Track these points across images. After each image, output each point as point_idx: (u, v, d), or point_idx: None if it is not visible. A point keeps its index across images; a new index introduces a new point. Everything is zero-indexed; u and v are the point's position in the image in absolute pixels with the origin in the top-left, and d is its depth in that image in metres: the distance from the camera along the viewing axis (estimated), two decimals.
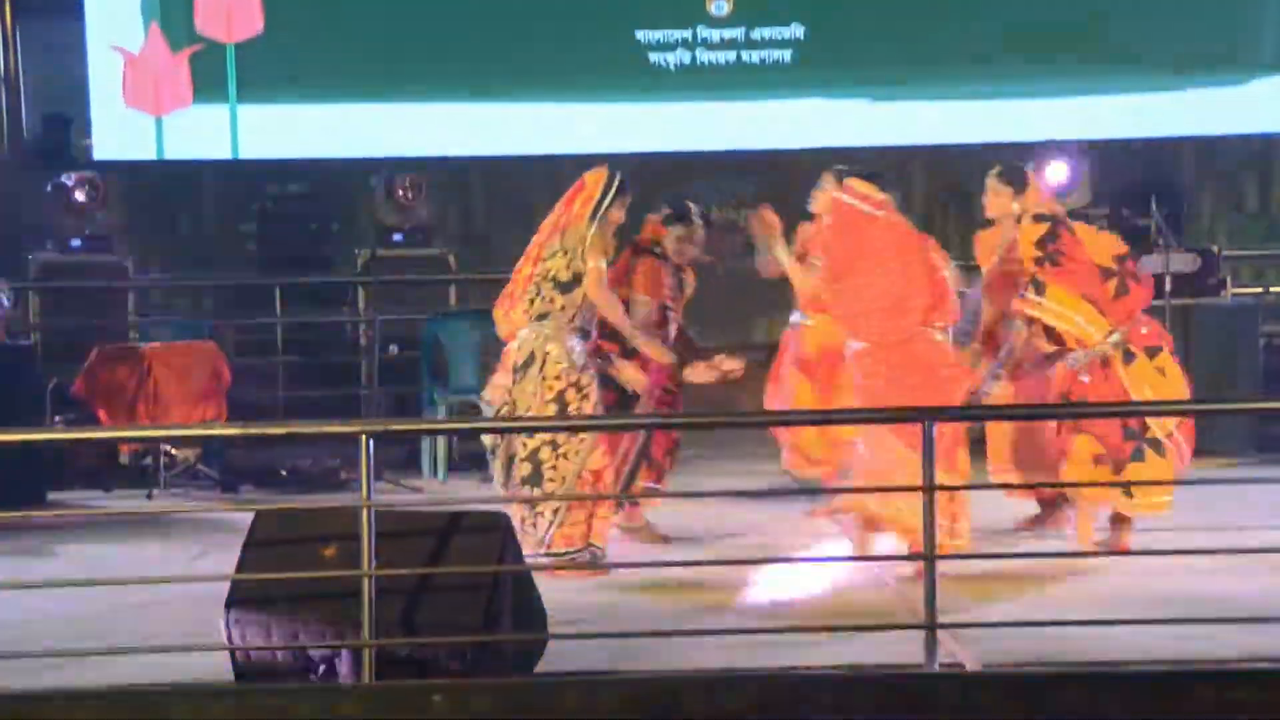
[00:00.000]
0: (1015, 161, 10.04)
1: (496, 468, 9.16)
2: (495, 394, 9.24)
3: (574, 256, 9.05)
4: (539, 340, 9.05)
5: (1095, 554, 9.07)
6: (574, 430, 9.06)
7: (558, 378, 9.02)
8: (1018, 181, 9.62)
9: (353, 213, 15.10)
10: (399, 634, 6.72)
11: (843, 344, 9.23)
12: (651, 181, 14.73)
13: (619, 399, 9.52)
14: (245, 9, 14.79)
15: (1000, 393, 9.46)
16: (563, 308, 9.06)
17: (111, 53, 14.76)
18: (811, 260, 9.71)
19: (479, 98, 15.02)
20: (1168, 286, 12.48)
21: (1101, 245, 9.52)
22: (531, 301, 9.09)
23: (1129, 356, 9.30)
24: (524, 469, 9.00)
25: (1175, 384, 9.40)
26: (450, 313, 13.50)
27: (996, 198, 9.64)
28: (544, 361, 9.03)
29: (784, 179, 12.29)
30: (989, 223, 9.76)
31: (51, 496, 11.47)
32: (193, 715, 6.41)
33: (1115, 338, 9.27)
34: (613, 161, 9.61)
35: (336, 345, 14.49)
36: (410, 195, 14.20)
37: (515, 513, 8.72)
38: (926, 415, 7.06)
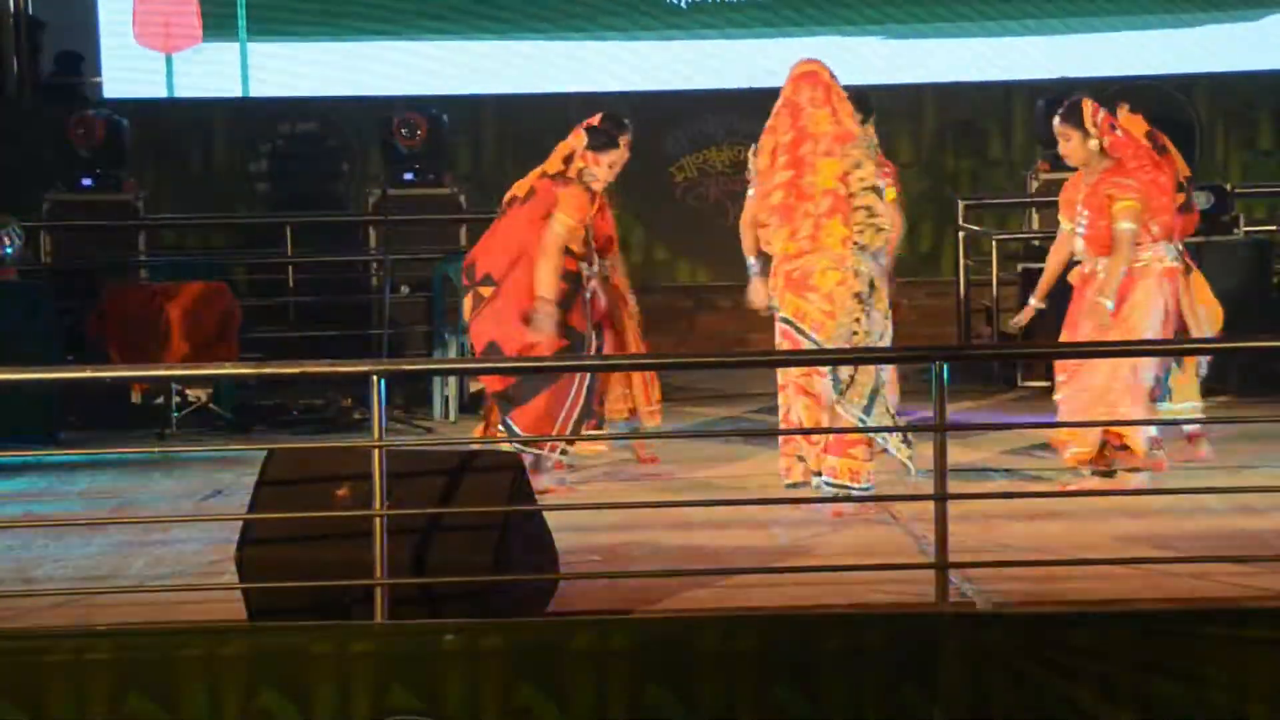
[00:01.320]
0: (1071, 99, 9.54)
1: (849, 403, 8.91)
2: (823, 325, 8.83)
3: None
4: (868, 271, 8.89)
5: (1108, 493, 9.05)
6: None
7: (889, 309, 8.99)
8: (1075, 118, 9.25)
9: (363, 151, 15.07)
10: (411, 573, 6.73)
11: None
12: (661, 119, 14.73)
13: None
14: None
15: None
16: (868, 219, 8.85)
17: None
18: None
19: (490, 35, 14.98)
20: None
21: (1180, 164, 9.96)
22: (860, 227, 8.84)
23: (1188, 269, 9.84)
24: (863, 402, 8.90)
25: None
26: (461, 252, 13.45)
27: (1066, 144, 9.29)
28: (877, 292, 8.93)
29: None
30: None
31: (63, 436, 11.46)
32: (205, 654, 6.43)
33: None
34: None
35: (347, 285, 14.47)
36: (421, 134, 14.13)
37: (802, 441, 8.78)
38: (936, 355, 7.04)
